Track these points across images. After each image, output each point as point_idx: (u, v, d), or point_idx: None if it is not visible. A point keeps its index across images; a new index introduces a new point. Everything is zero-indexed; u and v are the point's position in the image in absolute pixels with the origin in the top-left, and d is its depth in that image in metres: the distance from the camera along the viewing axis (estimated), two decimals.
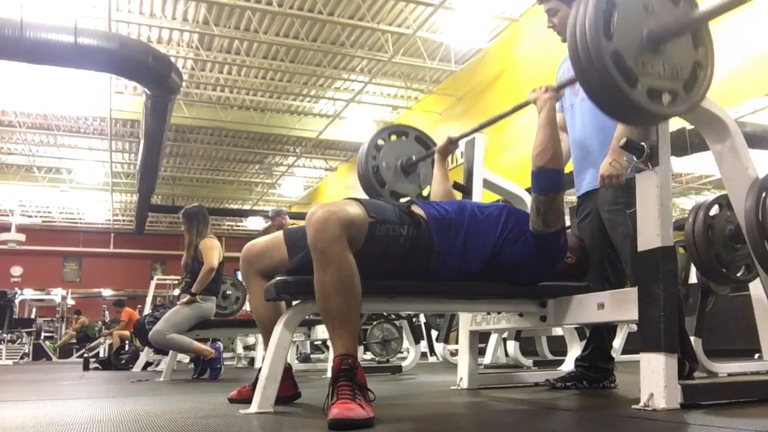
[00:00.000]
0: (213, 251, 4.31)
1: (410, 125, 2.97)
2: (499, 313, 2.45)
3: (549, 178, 1.96)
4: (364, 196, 2.44)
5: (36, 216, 17.07)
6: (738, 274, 2.42)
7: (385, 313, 4.80)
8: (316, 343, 6.85)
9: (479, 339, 2.77)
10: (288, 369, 2.06)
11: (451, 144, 2.58)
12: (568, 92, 2.54)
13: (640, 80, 1.43)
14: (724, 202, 2.32)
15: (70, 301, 18.37)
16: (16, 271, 17.08)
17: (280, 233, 2.11)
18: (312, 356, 6.98)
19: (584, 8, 1.42)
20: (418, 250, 1.89)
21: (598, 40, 1.39)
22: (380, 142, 2.80)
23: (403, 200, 2.66)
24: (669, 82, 1.48)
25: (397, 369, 4.40)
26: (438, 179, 2.54)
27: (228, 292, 5.61)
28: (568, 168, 2.70)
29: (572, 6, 1.47)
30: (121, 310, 10.82)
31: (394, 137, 2.85)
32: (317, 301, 1.70)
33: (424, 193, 2.78)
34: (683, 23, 1.48)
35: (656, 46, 1.46)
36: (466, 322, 2.67)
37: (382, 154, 2.78)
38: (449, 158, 2.67)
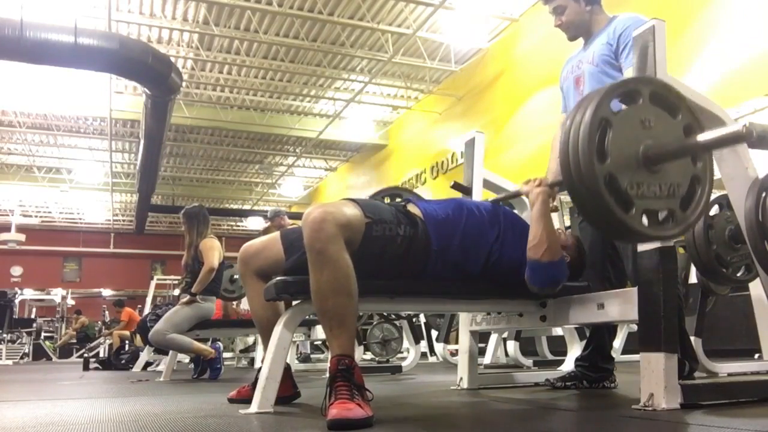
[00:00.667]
0: (213, 251, 4.31)
1: (405, 188, 2.94)
2: (499, 313, 2.45)
3: (544, 273, 1.95)
4: (364, 196, 2.44)
5: (36, 216, 17.08)
6: (738, 274, 2.42)
7: (385, 313, 4.80)
8: (316, 343, 6.84)
9: (479, 339, 2.77)
10: (287, 369, 2.06)
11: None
12: (573, 93, 2.52)
13: (635, 203, 1.38)
14: (724, 202, 2.33)
15: (70, 301, 18.36)
16: (16, 271, 17.09)
17: (277, 234, 2.11)
18: (312, 356, 6.98)
19: (579, 123, 1.37)
20: (416, 249, 1.89)
21: (591, 163, 1.34)
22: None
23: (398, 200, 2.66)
24: (665, 202, 1.43)
25: (397, 369, 4.40)
26: None
27: (235, 277, 5.61)
28: None
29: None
30: (121, 310, 10.83)
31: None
32: (313, 301, 1.70)
33: None
34: (683, 149, 1.43)
35: (653, 165, 1.40)
36: (466, 322, 2.67)
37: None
38: (449, 157, 2.66)
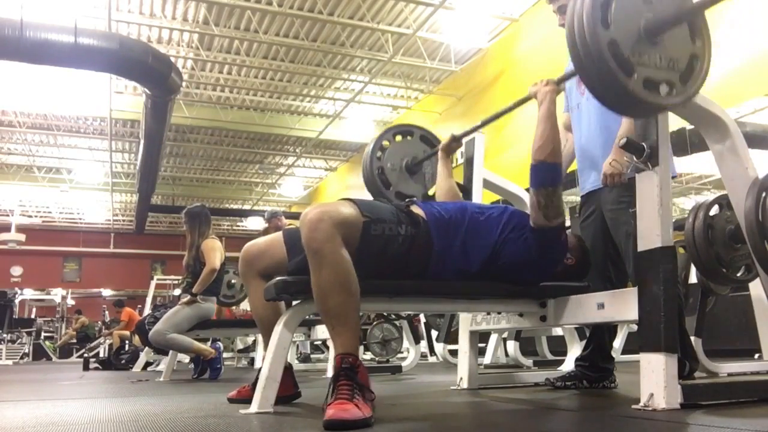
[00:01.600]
0: (215, 252, 4.32)
1: (415, 124, 2.95)
2: (499, 313, 2.45)
3: (548, 172, 1.96)
4: (365, 196, 2.43)
5: (36, 216, 17.07)
6: (738, 274, 2.42)
7: (385, 313, 4.80)
8: (316, 343, 6.85)
9: (479, 339, 2.77)
10: (288, 368, 2.06)
11: (455, 141, 2.57)
12: (575, 91, 2.53)
13: (637, 70, 1.43)
14: (724, 202, 2.32)
15: (70, 301, 18.36)
16: (16, 271, 17.09)
17: (279, 234, 2.11)
18: (312, 356, 6.98)
19: None
20: (417, 249, 1.88)
21: (595, 30, 1.40)
22: (385, 143, 2.78)
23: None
24: (665, 73, 1.49)
25: (397, 369, 4.40)
26: (442, 177, 2.53)
27: (233, 281, 5.61)
28: (573, 167, 2.70)
29: None
30: (121, 310, 10.82)
31: (399, 137, 2.82)
32: (315, 301, 1.70)
33: (430, 192, 2.77)
34: (679, 13, 1.48)
35: (653, 37, 1.46)
36: (466, 322, 2.67)
37: (387, 155, 2.75)
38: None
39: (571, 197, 6.01)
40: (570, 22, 1.45)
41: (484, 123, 2.55)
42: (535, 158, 1.96)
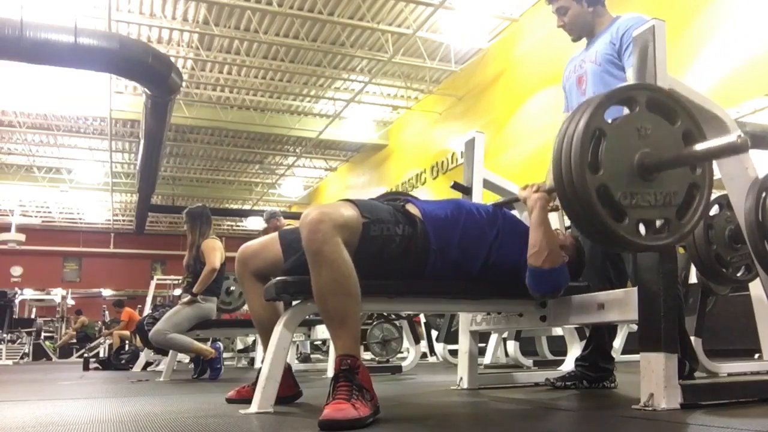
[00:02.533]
0: (215, 252, 4.32)
1: (406, 193, 2.91)
2: (499, 313, 2.45)
3: (545, 280, 1.95)
4: (365, 196, 2.43)
5: (36, 216, 17.07)
6: (738, 274, 2.42)
7: (385, 313, 4.80)
8: (316, 343, 6.85)
9: (479, 339, 2.77)
10: (288, 369, 2.06)
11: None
12: (574, 91, 2.52)
13: (629, 214, 1.37)
14: (724, 202, 2.33)
15: (70, 301, 18.36)
16: (16, 271, 17.09)
17: (275, 234, 2.11)
18: (312, 356, 6.98)
19: (572, 133, 1.35)
20: (415, 249, 1.89)
21: (583, 175, 1.32)
22: None
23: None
24: (660, 211, 1.41)
25: (397, 369, 4.40)
26: None
27: (231, 288, 5.61)
28: None
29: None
30: (121, 310, 10.82)
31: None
32: (316, 302, 1.71)
33: None
34: (680, 159, 1.41)
35: (648, 175, 1.38)
36: (466, 322, 2.67)
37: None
38: (449, 157, 2.66)
39: None
40: (557, 160, 1.38)
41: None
42: (530, 264, 1.94)
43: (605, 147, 1.35)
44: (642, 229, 1.43)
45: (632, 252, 1.65)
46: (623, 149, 1.37)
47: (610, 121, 1.41)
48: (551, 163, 1.41)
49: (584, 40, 2.51)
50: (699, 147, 1.38)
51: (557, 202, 2.04)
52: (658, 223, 1.43)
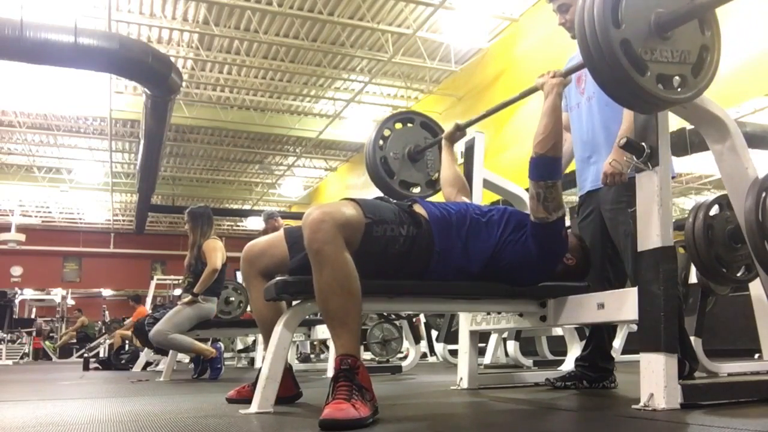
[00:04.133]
0: (216, 252, 4.33)
1: (415, 111, 2.94)
2: (499, 313, 2.45)
3: (549, 166, 1.95)
4: (365, 196, 2.43)
5: (36, 216, 17.07)
6: (738, 274, 2.42)
7: (385, 313, 4.80)
8: (315, 343, 6.85)
9: (479, 339, 2.77)
10: (288, 369, 2.06)
11: (459, 131, 2.56)
12: (574, 91, 2.52)
13: (650, 67, 1.44)
14: (724, 202, 2.32)
15: (70, 301, 18.36)
16: (16, 271, 17.08)
17: (281, 232, 2.10)
18: (312, 356, 6.98)
19: None
20: (419, 249, 1.88)
21: (607, 29, 1.40)
22: (386, 132, 2.77)
23: (406, 197, 2.65)
24: (677, 67, 1.50)
25: (397, 369, 4.40)
26: (446, 165, 2.54)
27: (231, 299, 5.60)
28: (571, 168, 2.70)
29: None
30: (137, 306, 10.68)
31: (399, 125, 2.81)
32: (317, 301, 1.71)
33: (433, 178, 2.77)
34: (691, 9, 1.48)
35: (664, 32, 1.47)
36: (466, 322, 2.67)
37: (389, 144, 2.74)
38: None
39: (570, 197, 6.01)
40: (580, 23, 1.45)
41: (489, 113, 2.54)
42: (535, 151, 1.94)
43: (625, 4, 1.43)
44: (660, 86, 1.49)
45: (654, 108, 1.69)
46: (641, 7, 1.45)
47: None
48: (576, 24, 1.46)
49: None
50: None
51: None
52: (676, 80, 1.50)
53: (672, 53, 1.49)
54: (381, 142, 2.74)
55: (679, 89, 1.50)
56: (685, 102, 1.63)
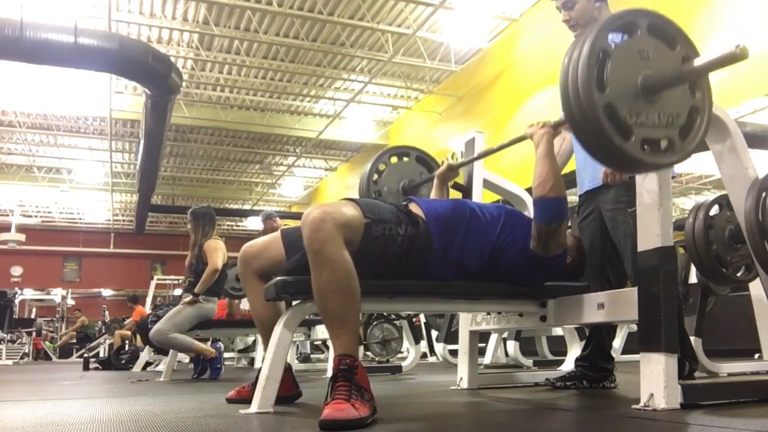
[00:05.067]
0: (217, 252, 4.33)
1: (412, 146, 2.94)
2: (499, 313, 2.45)
3: (551, 207, 1.96)
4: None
5: (36, 216, 17.07)
6: (738, 274, 2.42)
7: (385, 313, 4.80)
8: (316, 343, 6.85)
9: (479, 339, 2.77)
10: (288, 369, 2.06)
11: (451, 171, 2.56)
12: None
13: (635, 132, 1.39)
14: (724, 202, 2.33)
15: (70, 301, 18.36)
16: (16, 271, 17.08)
17: (278, 233, 2.10)
18: (312, 356, 6.98)
19: (577, 56, 1.38)
20: (417, 249, 1.88)
21: (590, 92, 1.35)
22: (381, 166, 2.79)
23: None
24: (664, 130, 1.44)
25: (397, 369, 4.40)
26: None
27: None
28: (571, 166, 2.70)
29: (565, 57, 1.41)
30: (135, 307, 10.73)
31: (395, 159, 2.83)
32: (315, 301, 1.70)
33: None
34: (681, 75, 1.44)
35: (651, 95, 1.42)
36: (466, 322, 2.67)
37: (384, 178, 2.76)
38: (449, 157, 2.66)
39: (571, 197, 6.01)
40: (564, 81, 1.40)
41: (481, 156, 2.57)
42: (536, 194, 1.96)
43: (610, 67, 1.39)
44: (647, 150, 1.46)
45: (639, 172, 1.67)
46: (627, 70, 1.41)
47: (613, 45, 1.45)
48: (560, 84, 1.44)
49: None
50: (698, 61, 1.43)
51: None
52: (663, 143, 1.46)
53: (659, 116, 1.43)
54: (375, 176, 2.75)
55: (665, 152, 1.45)
56: (670, 166, 1.59)
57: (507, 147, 2.30)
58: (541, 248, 1.97)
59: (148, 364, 6.04)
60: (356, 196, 2.22)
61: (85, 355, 9.41)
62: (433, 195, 2.55)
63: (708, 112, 1.52)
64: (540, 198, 1.95)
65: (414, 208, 1.97)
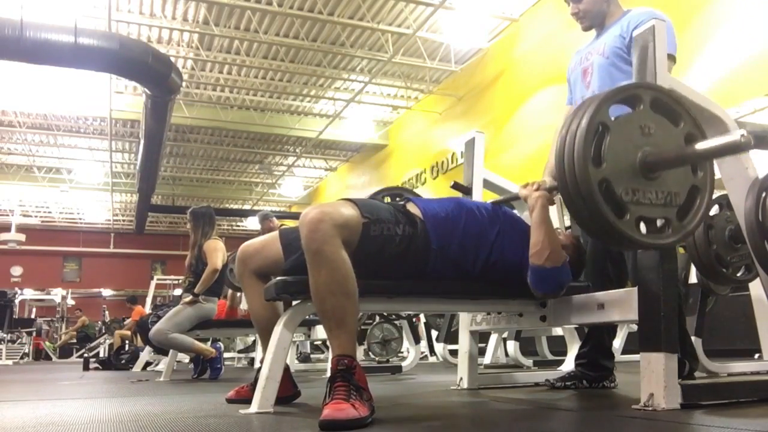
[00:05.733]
0: (217, 252, 4.33)
1: (406, 188, 2.93)
2: (499, 313, 2.45)
3: (548, 279, 1.95)
4: (364, 196, 2.43)
5: (36, 216, 17.07)
6: (738, 274, 2.42)
7: (385, 313, 4.80)
8: (316, 343, 6.85)
9: (479, 339, 2.77)
10: (286, 370, 2.06)
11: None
12: (580, 84, 2.49)
13: (630, 209, 1.37)
14: (724, 202, 2.32)
15: (70, 301, 18.37)
16: (16, 271, 17.09)
17: (276, 233, 2.11)
18: (312, 356, 6.98)
19: (575, 128, 1.35)
20: (415, 248, 1.88)
21: (585, 167, 1.32)
22: None
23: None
24: (662, 210, 1.41)
25: (397, 369, 4.40)
26: None
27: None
28: None
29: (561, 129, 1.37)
30: (134, 307, 10.75)
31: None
32: (313, 302, 1.70)
33: None
34: (683, 156, 1.40)
35: (650, 173, 1.38)
36: (466, 322, 2.67)
37: None
38: (449, 157, 2.66)
39: None
40: (560, 153, 1.37)
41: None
42: (532, 263, 1.93)
43: (608, 142, 1.35)
44: (643, 228, 1.43)
45: (632, 250, 1.65)
46: (626, 145, 1.37)
47: (613, 118, 1.41)
48: (551, 158, 1.41)
49: (592, 33, 2.49)
50: (701, 145, 1.38)
51: (557, 201, 2.03)
52: (659, 222, 1.42)
53: (657, 195, 1.39)
54: None
55: (661, 232, 1.42)
56: (666, 247, 1.54)
57: (500, 203, 2.25)
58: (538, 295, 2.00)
59: (148, 364, 6.03)
60: (356, 194, 2.22)
61: (85, 355, 9.41)
62: None
63: (709, 193, 1.48)
64: (536, 268, 1.93)
65: (412, 207, 1.97)
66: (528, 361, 4.50)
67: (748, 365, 3.12)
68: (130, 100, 10.53)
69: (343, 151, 13.76)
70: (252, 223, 16.66)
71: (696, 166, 1.46)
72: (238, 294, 5.40)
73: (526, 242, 1.97)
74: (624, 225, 1.36)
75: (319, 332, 4.69)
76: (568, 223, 2.74)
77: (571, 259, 2.14)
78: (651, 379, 1.66)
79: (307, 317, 2.25)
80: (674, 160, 1.40)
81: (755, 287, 2.81)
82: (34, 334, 13.81)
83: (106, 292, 19.20)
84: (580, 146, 1.33)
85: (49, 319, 16.74)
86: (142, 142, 9.82)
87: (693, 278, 3.10)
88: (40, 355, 13.66)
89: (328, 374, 1.63)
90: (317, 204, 1.81)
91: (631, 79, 1.79)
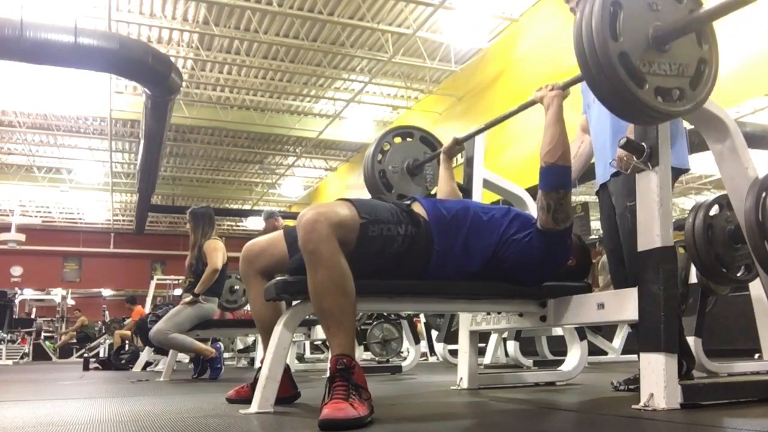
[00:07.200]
0: (217, 253, 4.33)
1: (415, 126, 2.95)
2: (499, 313, 2.45)
3: (559, 175, 1.93)
4: (365, 196, 2.43)
5: (36, 216, 17.06)
6: (738, 274, 2.42)
7: (385, 313, 4.80)
8: (315, 343, 6.86)
9: (479, 339, 2.77)
10: (286, 370, 2.06)
11: (457, 144, 2.56)
12: (588, 91, 2.48)
13: (648, 80, 1.44)
14: (724, 202, 2.32)
15: (70, 301, 18.36)
16: (16, 271, 17.07)
17: (280, 232, 2.11)
18: (310, 356, 6.98)
19: (590, 8, 1.43)
20: (418, 248, 1.88)
21: (605, 42, 1.40)
22: (385, 145, 2.79)
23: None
24: (675, 80, 1.49)
25: (397, 369, 4.40)
26: (444, 179, 2.54)
27: (236, 287, 5.62)
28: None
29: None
30: (133, 307, 10.76)
31: (398, 139, 2.84)
32: (311, 301, 1.71)
33: (432, 192, 2.78)
34: (688, 23, 1.49)
35: (662, 45, 1.47)
36: (466, 322, 2.66)
37: (388, 158, 2.77)
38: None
39: (575, 197, 6.00)
40: (578, 36, 1.45)
41: (488, 126, 2.55)
42: (545, 161, 1.93)
43: (623, 18, 1.43)
44: (660, 99, 1.49)
45: (652, 122, 1.70)
46: (638, 21, 1.46)
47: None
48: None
49: None
50: (702, 11, 1.48)
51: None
52: (674, 93, 1.50)
53: (670, 66, 1.49)
54: (380, 155, 2.76)
55: (677, 102, 1.51)
56: (683, 114, 1.63)
57: (516, 113, 2.28)
58: (551, 220, 1.93)
59: (148, 364, 6.03)
60: (356, 194, 2.21)
61: (85, 355, 9.41)
62: (440, 172, 2.54)
63: (715, 66, 1.56)
64: (549, 165, 1.92)
65: (417, 207, 1.97)
66: (528, 361, 4.51)
67: (748, 365, 3.12)
68: (130, 100, 10.52)
69: (343, 151, 13.75)
70: (252, 223, 16.65)
71: (701, 38, 1.55)
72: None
73: (533, 245, 1.96)
74: (645, 95, 1.44)
75: (319, 332, 4.69)
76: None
77: (576, 261, 2.14)
78: (651, 379, 1.66)
79: (307, 317, 2.25)
80: (683, 28, 1.48)
81: (755, 287, 2.81)
82: (34, 334, 13.80)
83: (106, 292, 19.19)
84: (598, 21, 1.41)
85: (49, 319, 16.72)
86: (142, 142, 9.81)
87: (693, 278, 3.11)
88: (39, 354, 13.64)
89: (328, 374, 1.63)
90: (314, 205, 1.81)
91: None
